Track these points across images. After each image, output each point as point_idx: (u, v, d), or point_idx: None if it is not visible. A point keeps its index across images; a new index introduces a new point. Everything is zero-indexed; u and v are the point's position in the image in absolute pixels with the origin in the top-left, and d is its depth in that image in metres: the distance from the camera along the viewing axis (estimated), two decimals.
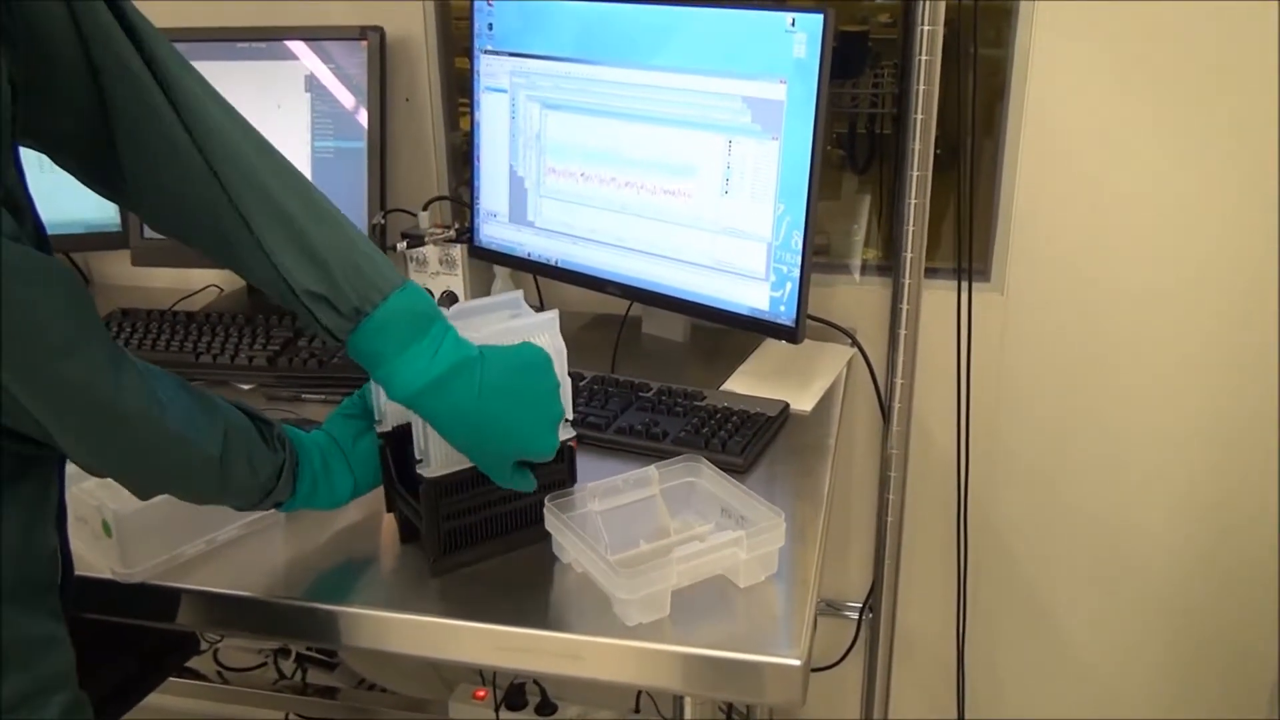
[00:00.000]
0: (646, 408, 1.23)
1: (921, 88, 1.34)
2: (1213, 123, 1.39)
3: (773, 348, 1.43)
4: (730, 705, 1.66)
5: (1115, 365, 1.53)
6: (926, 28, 1.31)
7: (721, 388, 1.32)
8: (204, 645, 1.91)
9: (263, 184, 0.79)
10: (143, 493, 0.81)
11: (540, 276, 1.62)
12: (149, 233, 1.62)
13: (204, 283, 1.72)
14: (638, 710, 1.82)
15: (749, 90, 1.23)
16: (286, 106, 1.55)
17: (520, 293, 1.01)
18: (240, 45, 1.55)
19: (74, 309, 0.67)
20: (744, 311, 1.31)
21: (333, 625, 0.93)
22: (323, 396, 1.33)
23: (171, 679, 1.40)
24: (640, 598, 0.87)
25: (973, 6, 1.41)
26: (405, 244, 1.53)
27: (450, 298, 1.58)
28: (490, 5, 1.45)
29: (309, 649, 1.93)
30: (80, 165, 0.81)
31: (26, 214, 0.69)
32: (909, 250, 1.42)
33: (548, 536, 0.97)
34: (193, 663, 1.81)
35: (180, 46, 1.65)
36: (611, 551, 0.91)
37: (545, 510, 0.95)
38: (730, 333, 1.38)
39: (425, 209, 1.59)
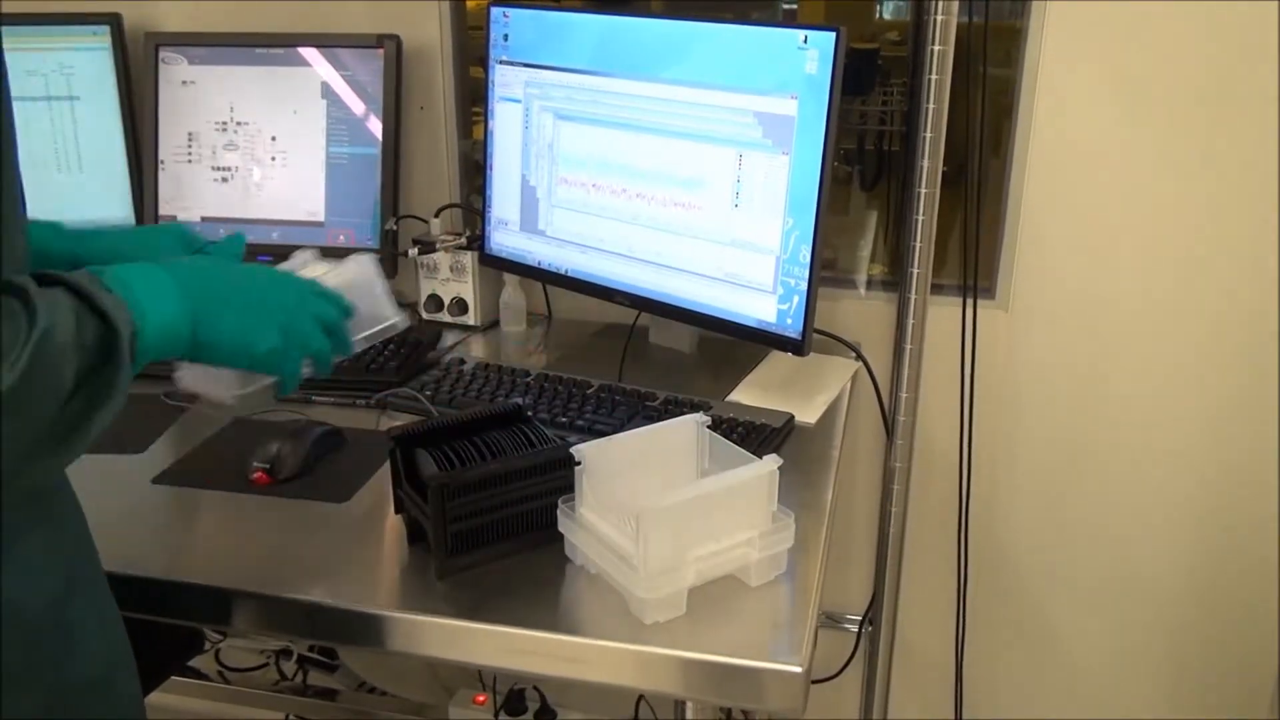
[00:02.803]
0: (653, 417, 1.24)
1: (931, 106, 1.35)
2: (1218, 144, 1.40)
3: (778, 360, 1.44)
4: (729, 711, 1.67)
5: (1118, 383, 1.54)
6: (937, 48, 1.33)
7: (727, 398, 1.33)
8: (206, 644, 1.92)
9: None
10: None
11: (549, 285, 1.64)
12: None
13: None
14: (637, 717, 1.83)
15: (760, 105, 1.25)
16: (302, 112, 1.57)
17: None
18: (258, 51, 1.57)
19: None
20: (751, 323, 1.32)
21: (338, 624, 0.94)
22: (332, 399, 1.34)
23: (173, 678, 1.40)
24: (659, 597, 0.89)
25: (983, 26, 1.43)
26: (416, 250, 1.54)
27: (460, 304, 1.60)
28: (506, 16, 1.47)
29: (311, 650, 1.94)
30: None
31: None
32: (915, 266, 1.43)
33: (558, 539, 0.98)
34: (194, 662, 1.82)
35: (199, 51, 1.67)
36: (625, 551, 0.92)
37: (559, 512, 0.97)
38: (737, 344, 1.39)
39: (437, 216, 1.61)
